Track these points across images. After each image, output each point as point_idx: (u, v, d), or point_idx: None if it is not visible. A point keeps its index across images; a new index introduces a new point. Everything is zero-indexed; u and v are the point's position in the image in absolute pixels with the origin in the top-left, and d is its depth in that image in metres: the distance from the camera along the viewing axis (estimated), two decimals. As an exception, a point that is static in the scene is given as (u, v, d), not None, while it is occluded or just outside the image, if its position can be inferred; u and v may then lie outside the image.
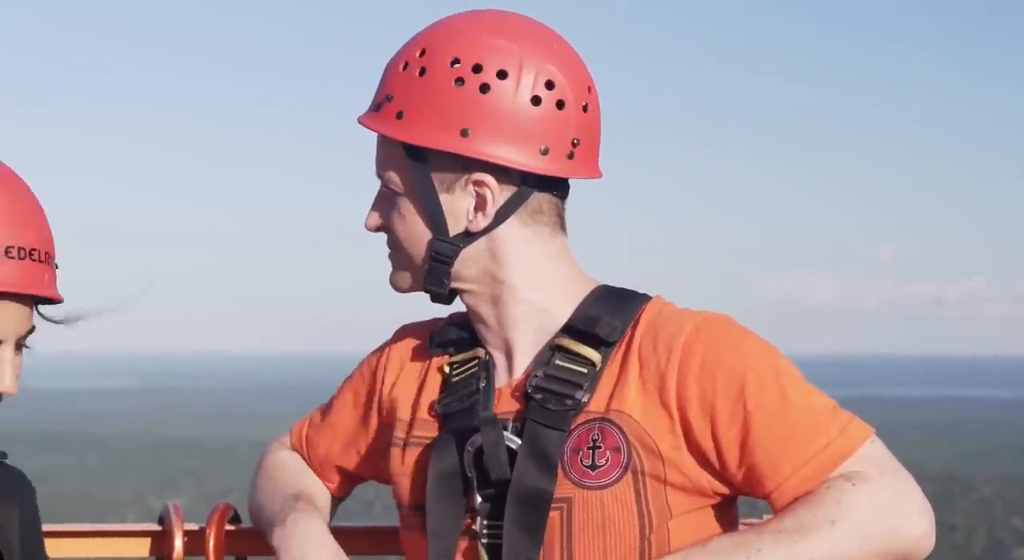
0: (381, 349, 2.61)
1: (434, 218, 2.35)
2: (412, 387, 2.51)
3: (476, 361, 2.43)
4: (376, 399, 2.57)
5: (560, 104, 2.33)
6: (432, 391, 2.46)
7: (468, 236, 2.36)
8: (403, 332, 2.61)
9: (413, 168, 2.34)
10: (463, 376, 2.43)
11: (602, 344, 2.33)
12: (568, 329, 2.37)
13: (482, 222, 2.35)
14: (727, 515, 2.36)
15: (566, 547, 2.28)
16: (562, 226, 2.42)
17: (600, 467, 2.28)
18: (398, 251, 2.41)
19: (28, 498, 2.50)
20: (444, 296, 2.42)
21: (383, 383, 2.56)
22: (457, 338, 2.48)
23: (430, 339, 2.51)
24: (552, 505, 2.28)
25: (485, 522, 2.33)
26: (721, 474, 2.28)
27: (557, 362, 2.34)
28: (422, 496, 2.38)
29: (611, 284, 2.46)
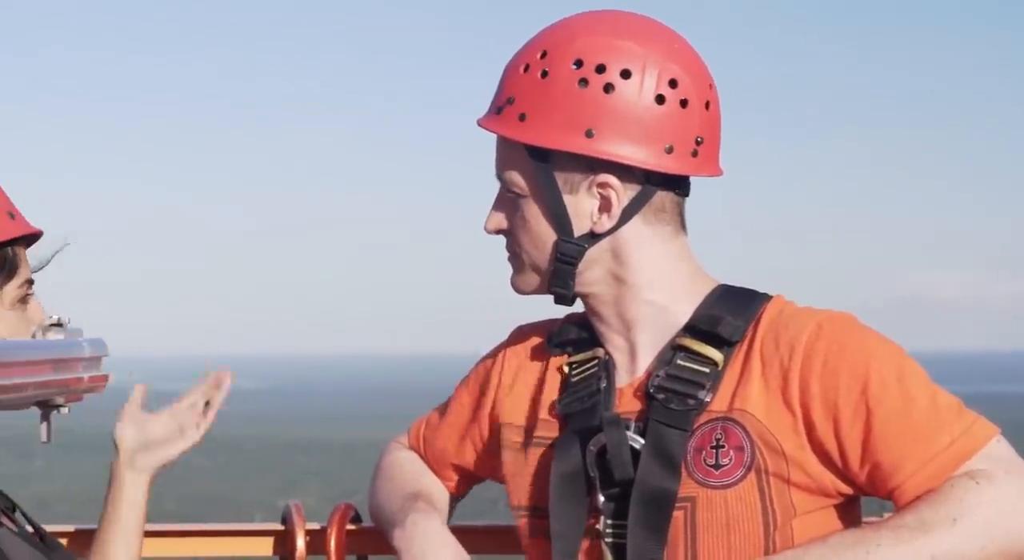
0: (498, 350, 2.62)
1: (559, 220, 2.35)
2: (531, 387, 2.51)
3: (596, 361, 2.43)
4: (492, 399, 2.57)
5: (683, 103, 2.33)
6: (552, 391, 2.46)
7: (593, 237, 2.36)
8: (520, 332, 2.61)
9: (537, 170, 2.34)
10: (583, 376, 2.43)
11: (724, 344, 2.33)
12: (690, 329, 2.36)
13: (607, 223, 2.35)
14: (850, 515, 2.34)
15: (690, 546, 2.28)
16: (683, 225, 2.42)
17: (724, 466, 2.27)
18: (520, 254, 2.40)
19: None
20: (568, 298, 2.41)
21: (500, 383, 2.56)
22: (576, 338, 2.47)
23: (548, 339, 2.51)
24: (676, 505, 2.27)
25: (609, 521, 2.33)
26: (844, 473, 2.26)
27: (679, 362, 2.33)
28: (544, 497, 2.38)
29: (731, 284, 2.44)
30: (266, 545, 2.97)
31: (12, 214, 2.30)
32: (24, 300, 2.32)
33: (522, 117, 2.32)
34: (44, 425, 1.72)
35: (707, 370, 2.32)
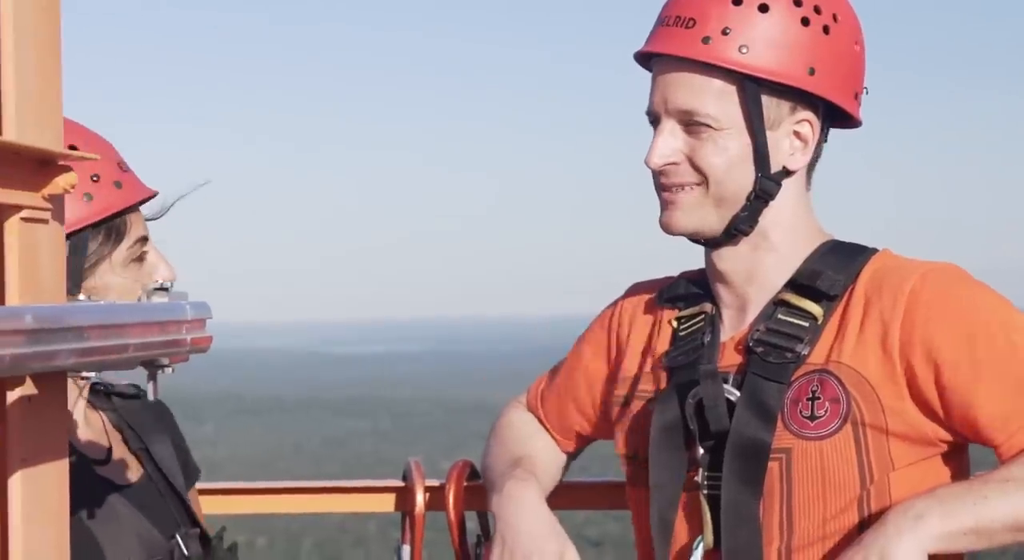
0: (614, 305, 2.68)
1: (762, 154, 2.36)
2: (642, 341, 2.57)
3: (703, 315, 2.47)
4: (609, 355, 2.64)
5: (863, 51, 2.41)
6: (661, 345, 2.52)
7: (787, 174, 2.39)
8: (635, 289, 2.67)
9: (749, 102, 2.35)
10: (690, 330, 2.47)
11: (824, 298, 2.35)
12: (792, 284, 2.39)
13: (802, 160, 2.39)
14: (956, 464, 2.34)
15: (786, 498, 2.30)
16: None
17: (819, 418, 2.29)
18: (704, 186, 2.37)
19: (175, 425, 2.65)
20: (732, 238, 2.41)
21: (616, 338, 2.63)
22: (686, 293, 2.52)
23: (659, 294, 2.56)
24: (771, 456, 2.30)
25: (706, 473, 2.36)
26: (946, 423, 2.27)
27: (780, 316, 2.36)
28: (646, 448, 2.43)
29: (842, 240, 2.47)
30: (388, 502, 3.05)
31: (119, 183, 2.38)
32: (140, 258, 2.42)
33: (742, 49, 2.33)
34: (151, 384, 1.81)
35: (806, 324, 2.34)
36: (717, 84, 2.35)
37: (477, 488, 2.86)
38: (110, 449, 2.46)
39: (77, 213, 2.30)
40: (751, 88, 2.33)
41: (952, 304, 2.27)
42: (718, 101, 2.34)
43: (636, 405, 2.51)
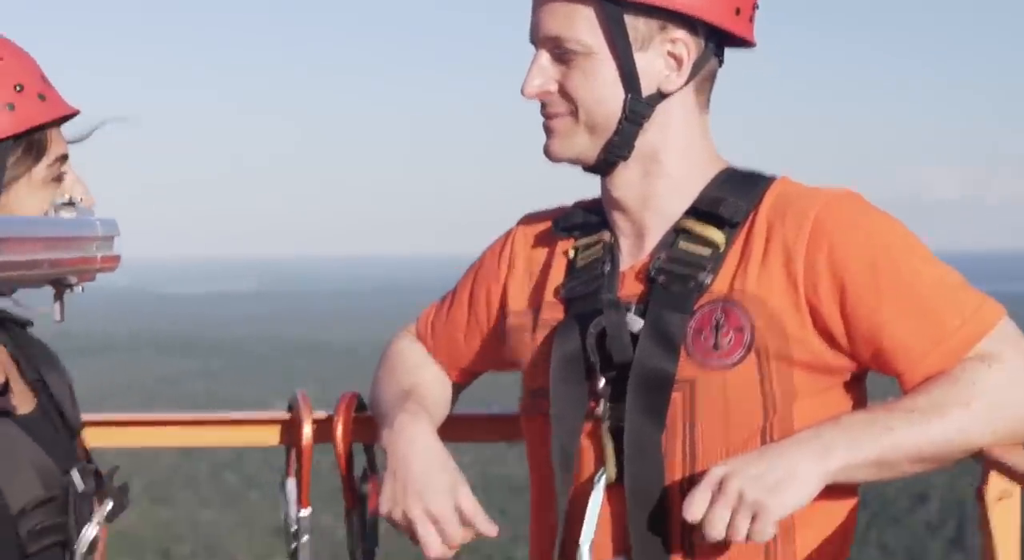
0: (506, 236, 2.62)
1: (630, 77, 2.32)
2: (536, 272, 2.52)
3: (601, 244, 2.43)
4: (499, 285, 2.58)
5: None
6: (557, 275, 2.47)
7: (661, 97, 2.34)
8: (527, 219, 2.61)
9: (611, 25, 2.30)
10: (588, 260, 2.43)
11: (726, 224, 2.32)
12: (692, 211, 2.36)
13: (677, 81, 2.34)
14: (855, 394, 2.34)
15: (688, 429, 2.27)
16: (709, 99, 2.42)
17: (723, 347, 2.26)
18: (576, 113, 2.34)
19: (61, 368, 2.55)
20: (613, 163, 2.37)
21: (508, 268, 2.57)
22: (583, 222, 2.48)
23: (555, 224, 2.51)
24: (674, 386, 2.27)
25: (608, 405, 2.32)
26: (849, 352, 2.26)
27: (680, 244, 2.33)
28: (545, 379, 2.38)
29: (737, 167, 2.43)
30: (273, 434, 2.99)
31: (43, 96, 2.27)
32: (58, 178, 2.31)
33: None
34: (57, 304, 1.72)
35: (708, 252, 2.31)
36: (579, 8, 2.31)
37: (365, 419, 2.81)
38: (7, 380, 2.35)
39: None
40: (610, 9, 2.29)
41: (855, 232, 2.25)
42: (582, 26, 2.31)
43: (536, 336, 2.46)
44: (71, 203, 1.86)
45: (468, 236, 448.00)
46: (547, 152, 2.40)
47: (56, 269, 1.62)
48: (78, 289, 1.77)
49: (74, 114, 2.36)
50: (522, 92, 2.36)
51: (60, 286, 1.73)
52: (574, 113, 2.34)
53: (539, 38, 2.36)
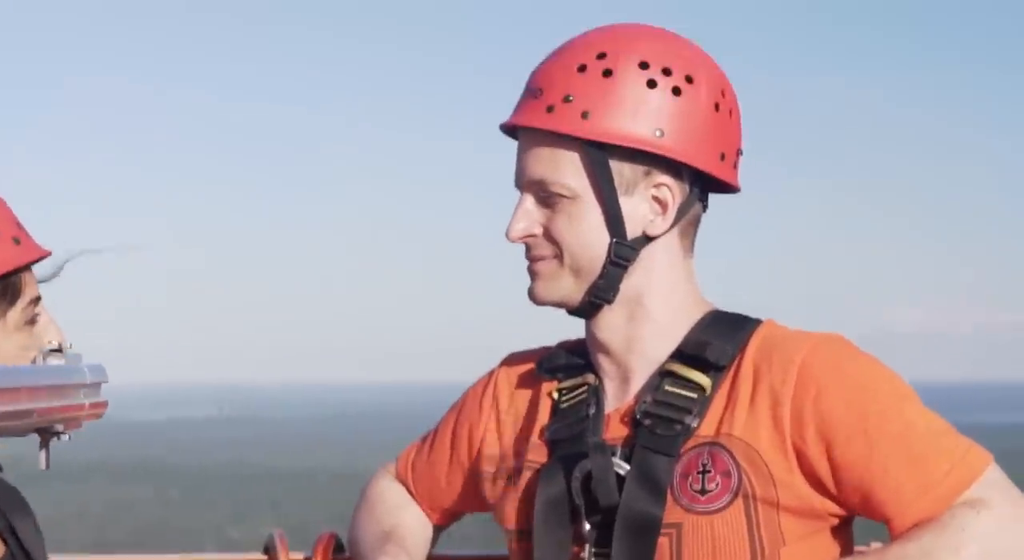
0: (488, 376, 2.61)
1: (615, 220, 2.32)
2: (521, 413, 2.50)
3: (586, 387, 2.42)
4: (482, 426, 2.56)
5: (731, 113, 2.37)
6: (542, 417, 2.45)
7: (646, 240, 2.35)
8: (511, 359, 2.60)
9: (596, 169, 2.31)
10: (572, 402, 2.42)
11: (712, 368, 2.31)
12: (678, 354, 2.35)
13: (662, 225, 2.35)
14: (842, 538, 2.32)
15: None
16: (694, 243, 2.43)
17: (710, 492, 2.25)
18: (561, 256, 2.34)
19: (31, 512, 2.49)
20: (598, 306, 2.37)
21: (491, 409, 2.55)
22: (567, 364, 2.46)
23: (539, 365, 2.50)
24: (661, 531, 2.25)
25: (593, 550, 2.30)
26: (837, 497, 2.25)
27: (666, 387, 2.32)
28: (529, 522, 2.35)
29: (722, 309, 2.43)
30: (249, 575, 2.93)
31: (17, 240, 2.27)
32: (32, 321, 2.29)
33: (585, 115, 2.29)
34: (43, 452, 1.69)
35: (694, 395, 2.30)
36: (564, 153, 2.31)
37: (341, 562, 2.74)
38: None
39: None
40: (595, 154, 2.30)
41: (844, 377, 2.25)
42: (567, 170, 2.31)
43: (516, 479, 2.43)
44: (59, 349, 1.85)
45: (423, 365, 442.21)
46: (532, 295, 2.40)
47: (44, 418, 1.59)
48: (64, 437, 1.75)
49: (46, 256, 2.35)
50: (507, 235, 2.37)
51: (46, 434, 1.70)
52: (559, 256, 2.35)
53: (524, 182, 2.36)
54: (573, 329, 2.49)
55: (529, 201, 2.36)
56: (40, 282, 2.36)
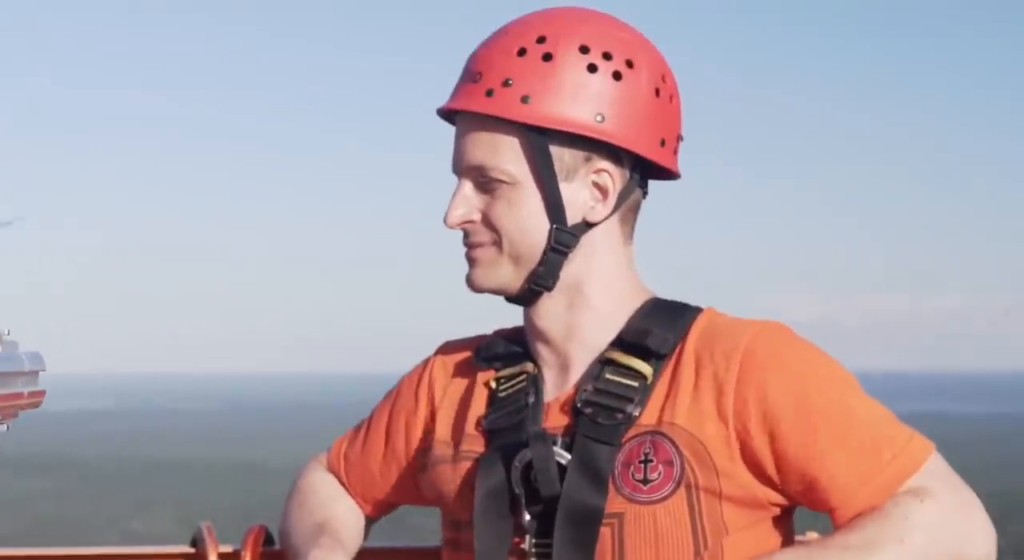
0: (424, 364, 2.57)
1: (555, 207, 2.29)
2: (456, 403, 2.46)
3: (524, 375, 2.39)
4: (417, 416, 2.52)
5: (671, 98, 2.34)
6: (478, 407, 2.42)
7: (586, 226, 2.32)
8: (447, 347, 2.57)
9: (536, 155, 2.28)
10: (511, 391, 2.39)
11: (653, 356, 2.29)
12: (619, 342, 2.33)
13: (602, 211, 2.32)
14: (784, 528, 2.31)
15: None
16: (633, 230, 2.41)
17: (652, 481, 2.23)
18: (500, 243, 2.32)
19: None
20: (536, 294, 2.35)
21: (427, 399, 2.52)
22: (505, 352, 2.43)
23: (476, 353, 2.46)
24: (603, 521, 2.22)
25: (534, 540, 2.27)
26: (780, 486, 2.24)
27: (607, 376, 2.29)
28: (467, 513, 2.32)
29: (663, 297, 2.41)
30: (175, 570, 2.88)
31: None
32: None
33: (525, 99, 2.26)
34: (-21, 446, 1.62)
35: (636, 384, 2.28)
36: (503, 138, 2.29)
37: (274, 554, 2.70)
38: None
39: None
40: (535, 139, 2.27)
41: (786, 366, 2.23)
42: (506, 155, 2.29)
43: (458, 468, 2.40)
44: None
45: (316, 353, 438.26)
46: (469, 282, 2.37)
47: None
48: (2, 427, 1.67)
49: None
50: (444, 221, 2.33)
51: (-20, 425, 1.63)
52: (497, 243, 2.32)
53: (462, 167, 2.33)
54: (504, 317, 2.45)
55: (467, 187, 2.33)
56: None
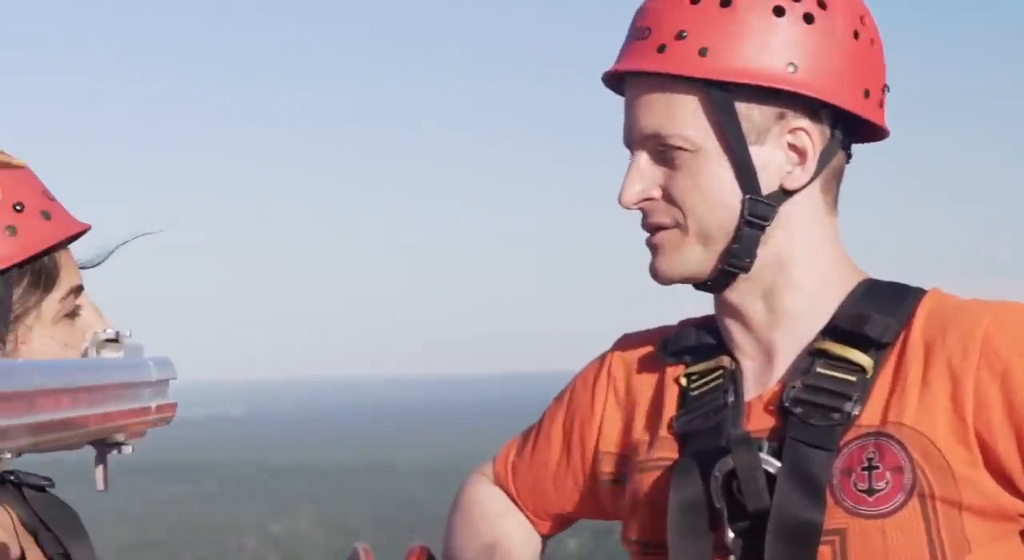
0: (600, 362, 2.29)
1: (746, 174, 2.01)
2: (644, 402, 2.19)
3: (720, 371, 2.11)
4: (595, 419, 2.25)
5: (871, 42, 2.06)
6: (669, 407, 2.14)
7: (784, 194, 2.04)
8: (626, 341, 2.29)
9: (720, 114, 2.00)
10: (705, 389, 2.11)
11: (873, 346, 2.00)
12: (831, 330, 2.03)
13: (802, 177, 2.03)
14: None
15: None
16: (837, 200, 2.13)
17: (879, 491, 1.93)
18: (686, 222, 2.04)
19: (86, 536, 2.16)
20: (732, 277, 2.07)
21: (606, 400, 2.25)
22: (696, 344, 2.16)
23: (662, 347, 2.19)
24: (822, 538, 1.93)
25: None
26: None
27: (819, 369, 2.01)
28: (661, 530, 2.04)
29: (879, 278, 2.12)
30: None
31: (47, 213, 1.94)
32: (73, 313, 1.96)
33: (703, 52, 1.99)
34: (100, 468, 1.35)
35: (853, 378, 1.99)
36: (681, 98, 2.01)
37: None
38: (23, 556, 1.95)
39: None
40: (718, 96, 1.99)
41: None
42: (686, 119, 2.01)
43: (646, 478, 2.12)
44: (115, 339, 1.52)
45: (447, 356, 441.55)
46: (654, 273, 2.09)
47: (102, 426, 1.26)
48: (127, 449, 1.41)
49: (85, 231, 2.03)
50: (619, 201, 2.06)
51: (104, 447, 1.36)
52: (681, 224, 2.04)
53: (636, 138, 2.05)
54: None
55: (643, 159, 2.05)
56: (83, 268, 2.04)
